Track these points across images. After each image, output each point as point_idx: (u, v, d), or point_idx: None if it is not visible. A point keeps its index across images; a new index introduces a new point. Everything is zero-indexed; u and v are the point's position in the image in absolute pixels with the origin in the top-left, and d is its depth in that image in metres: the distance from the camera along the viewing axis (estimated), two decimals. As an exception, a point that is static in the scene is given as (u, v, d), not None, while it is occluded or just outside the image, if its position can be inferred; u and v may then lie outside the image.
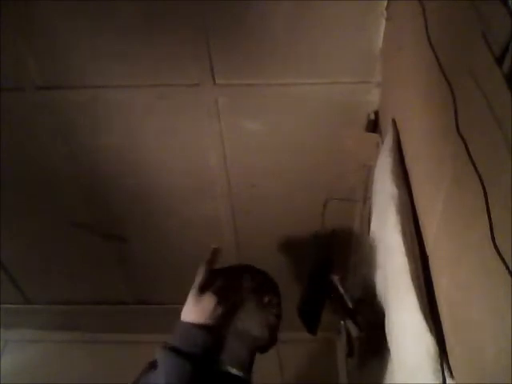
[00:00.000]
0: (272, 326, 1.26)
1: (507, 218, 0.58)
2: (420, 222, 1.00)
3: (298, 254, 2.01)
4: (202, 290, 1.13)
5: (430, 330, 0.83)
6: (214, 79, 1.48)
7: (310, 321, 1.44)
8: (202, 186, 1.80)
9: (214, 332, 1.13)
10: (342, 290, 1.27)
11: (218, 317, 1.13)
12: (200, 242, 2.02)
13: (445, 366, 0.81)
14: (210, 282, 1.19)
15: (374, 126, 1.53)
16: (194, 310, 1.12)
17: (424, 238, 0.97)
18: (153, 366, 1.10)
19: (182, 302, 1.14)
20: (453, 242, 0.79)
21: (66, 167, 1.77)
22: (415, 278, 0.91)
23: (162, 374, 1.05)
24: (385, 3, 1.31)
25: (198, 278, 1.15)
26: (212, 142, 1.65)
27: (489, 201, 0.63)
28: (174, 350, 1.07)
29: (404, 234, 0.97)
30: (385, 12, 1.31)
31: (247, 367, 1.24)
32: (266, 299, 1.28)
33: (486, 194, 0.64)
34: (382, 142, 1.32)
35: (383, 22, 1.33)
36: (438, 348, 0.81)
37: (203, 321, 1.11)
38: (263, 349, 1.28)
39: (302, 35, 1.38)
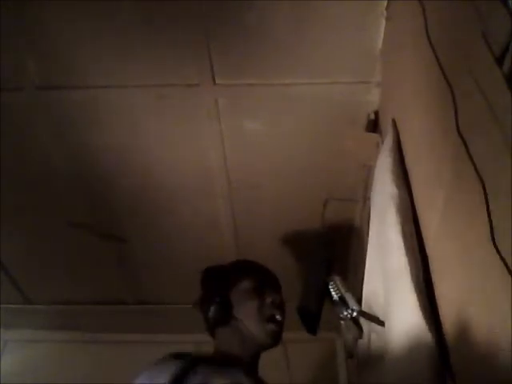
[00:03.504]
0: (275, 332, 1.26)
1: (507, 218, 0.58)
2: (420, 222, 1.00)
3: (297, 253, 2.01)
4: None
5: (430, 330, 0.83)
6: (213, 79, 1.48)
7: (310, 321, 1.44)
8: (202, 186, 1.80)
9: None
10: (342, 290, 1.27)
11: None
12: (200, 242, 2.04)
13: (445, 366, 0.81)
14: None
15: (374, 125, 1.53)
16: None
17: (424, 238, 0.97)
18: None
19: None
20: (453, 241, 0.79)
21: (65, 167, 1.77)
22: (415, 278, 0.91)
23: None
24: (385, 3, 1.31)
25: None
26: (212, 142, 1.65)
27: (489, 201, 0.63)
28: None
29: (404, 234, 0.97)
30: (385, 12, 1.31)
31: (251, 368, 1.24)
32: (269, 300, 1.28)
33: (485, 193, 0.64)
34: (382, 142, 1.32)
35: (383, 22, 1.33)
36: (437, 348, 0.81)
37: None
38: (266, 348, 1.29)
39: (302, 35, 1.38)
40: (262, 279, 1.33)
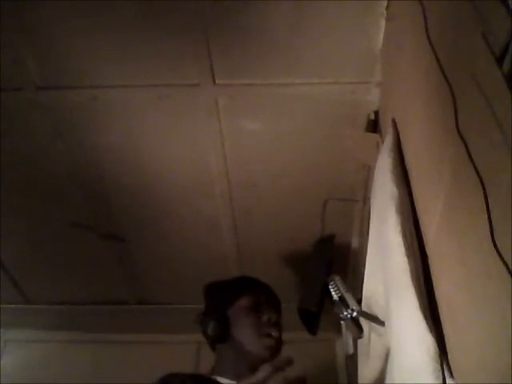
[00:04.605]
0: (271, 346, 1.27)
1: (507, 218, 0.58)
2: (420, 222, 1.00)
3: (297, 253, 2.01)
4: None
5: (430, 330, 0.83)
6: (213, 79, 1.48)
7: (310, 321, 1.44)
8: (202, 186, 1.80)
9: None
10: (342, 290, 1.27)
11: None
12: (200, 242, 2.04)
13: (445, 365, 0.81)
14: None
15: (374, 126, 1.53)
16: None
17: (424, 238, 0.97)
18: None
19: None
20: (453, 241, 0.79)
21: (65, 167, 1.77)
22: (415, 278, 0.91)
23: None
24: (385, 3, 1.31)
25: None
26: (212, 142, 1.65)
27: (489, 201, 0.63)
28: None
29: (404, 234, 0.97)
30: (385, 12, 1.31)
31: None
32: (265, 318, 1.30)
33: (485, 193, 0.64)
34: (382, 142, 1.32)
35: (383, 22, 1.33)
36: (437, 348, 0.81)
37: None
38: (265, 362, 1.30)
39: (302, 35, 1.38)
40: (260, 297, 1.35)
